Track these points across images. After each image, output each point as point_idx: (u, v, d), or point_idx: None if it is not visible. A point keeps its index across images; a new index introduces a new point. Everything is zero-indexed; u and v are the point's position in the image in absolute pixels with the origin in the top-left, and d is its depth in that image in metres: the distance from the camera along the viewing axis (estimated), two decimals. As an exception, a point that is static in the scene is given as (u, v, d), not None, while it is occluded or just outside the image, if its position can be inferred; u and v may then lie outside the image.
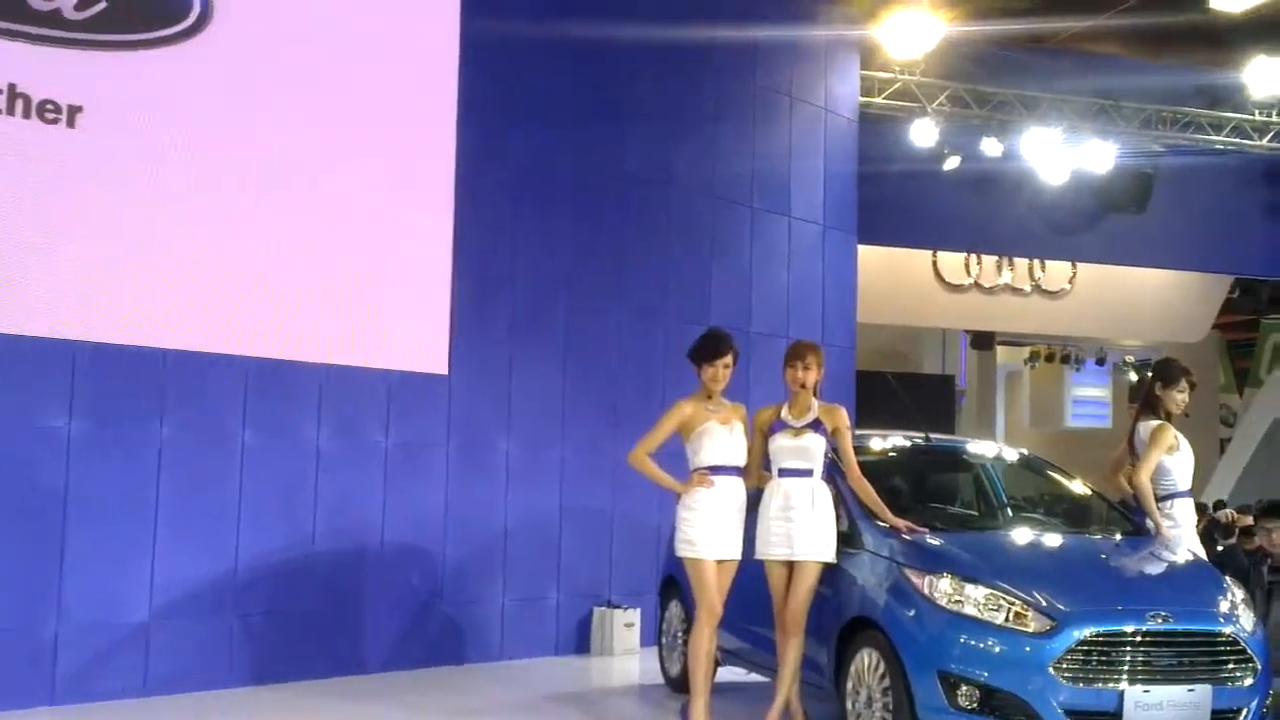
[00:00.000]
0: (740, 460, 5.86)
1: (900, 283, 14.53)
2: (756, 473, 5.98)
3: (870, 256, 12.73)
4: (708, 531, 5.72)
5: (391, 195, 7.95)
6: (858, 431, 6.37)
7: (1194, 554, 5.94)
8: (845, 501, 5.92)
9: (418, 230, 8.09)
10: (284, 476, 7.43)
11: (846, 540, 5.79)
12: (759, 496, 5.92)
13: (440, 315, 8.21)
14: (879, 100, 12.56)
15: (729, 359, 5.85)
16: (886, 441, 6.79)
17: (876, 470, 6.14)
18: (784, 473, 5.82)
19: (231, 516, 7.21)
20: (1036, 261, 15.21)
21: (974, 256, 14.90)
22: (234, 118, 7.22)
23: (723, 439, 5.80)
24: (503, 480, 8.53)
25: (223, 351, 7.18)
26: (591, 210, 9.07)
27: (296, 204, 7.49)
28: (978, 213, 14.02)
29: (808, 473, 5.77)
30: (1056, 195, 13.95)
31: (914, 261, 14.64)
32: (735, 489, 5.82)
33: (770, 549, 5.79)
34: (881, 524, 5.74)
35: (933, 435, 6.98)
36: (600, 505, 8.97)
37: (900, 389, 7.37)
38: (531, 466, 8.68)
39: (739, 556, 5.85)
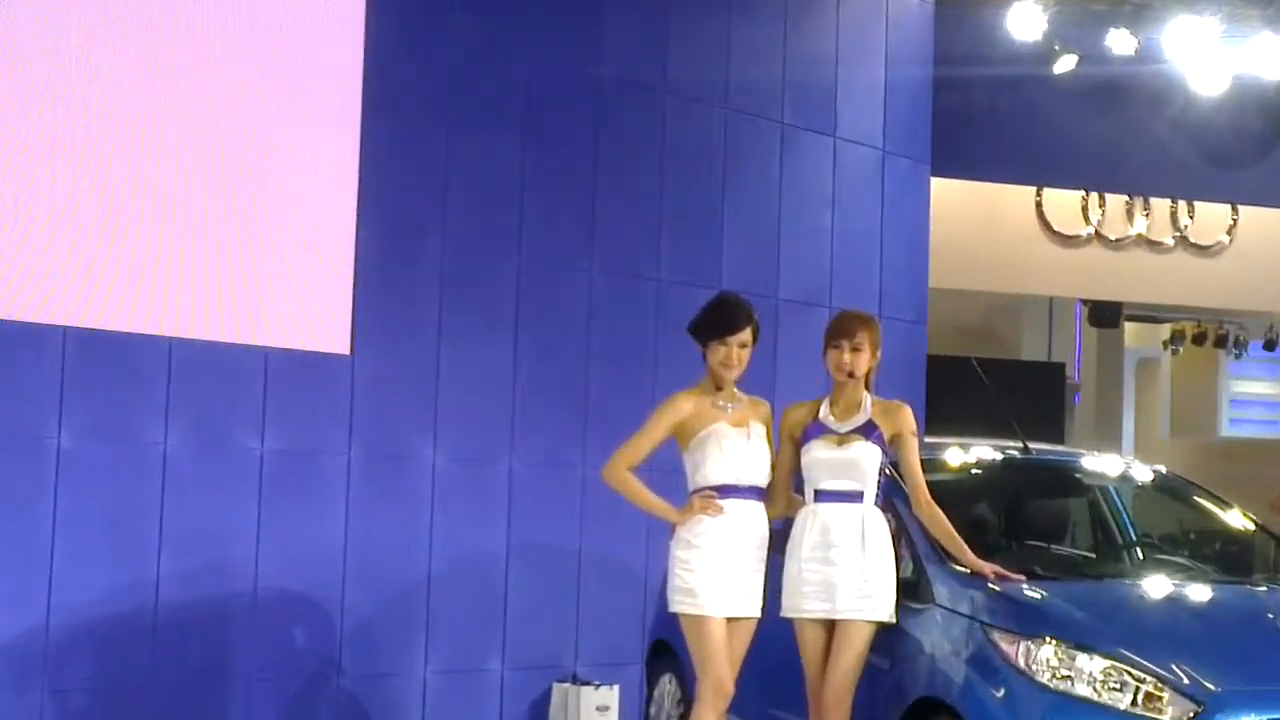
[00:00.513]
0: (761, 478, 5.91)
1: (992, 232, 14.32)
2: (785, 496, 6.04)
3: (949, 195, 12.65)
4: (714, 578, 5.76)
5: (273, 111, 8.01)
6: (928, 439, 6.45)
7: (1398, 613, 6.01)
8: (909, 537, 5.97)
9: (309, 157, 8.18)
10: (116, 495, 7.42)
11: (910, 591, 5.83)
12: (787, 529, 5.96)
13: (340, 272, 8.31)
14: (964, -25, 12.55)
15: (746, 335, 5.91)
16: (968, 454, 6.86)
17: (954, 494, 6.19)
18: (823, 496, 5.86)
19: (41, 551, 7.18)
20: (1182, 204, 15.20)
21: (1095, 196, 14.83)
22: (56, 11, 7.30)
23: (736, 448, 5.86)
24: (426, 505, 8.57)
25: (29, 319, 7.17)
26: (553, 130, 9.13)
27: (138, 122, 7.54)
28: (1100, 135, 13.90)
29: (856, 496, 5.82)
30: (1211, 112, 13.94)
31: (1011, 203, 14.55)
32: (754, 519, 5.86)
33: (803, 603, 5.82)
34: (960, 569, 5.79)
35: (1034, 446, 7.03)
36: (564, 540, 9.01)
37: (989, 381, 7.44)
38: (468, 486, 8.72)
39: (758, 613, 5.89)
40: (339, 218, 8.29)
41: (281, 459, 8.01)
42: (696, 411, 5.88)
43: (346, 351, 8.32)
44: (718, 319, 5.93)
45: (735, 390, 5.96)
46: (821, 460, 5.85)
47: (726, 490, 5.82)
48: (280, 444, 8.02)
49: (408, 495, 8.51)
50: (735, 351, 5.88)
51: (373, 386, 8.40)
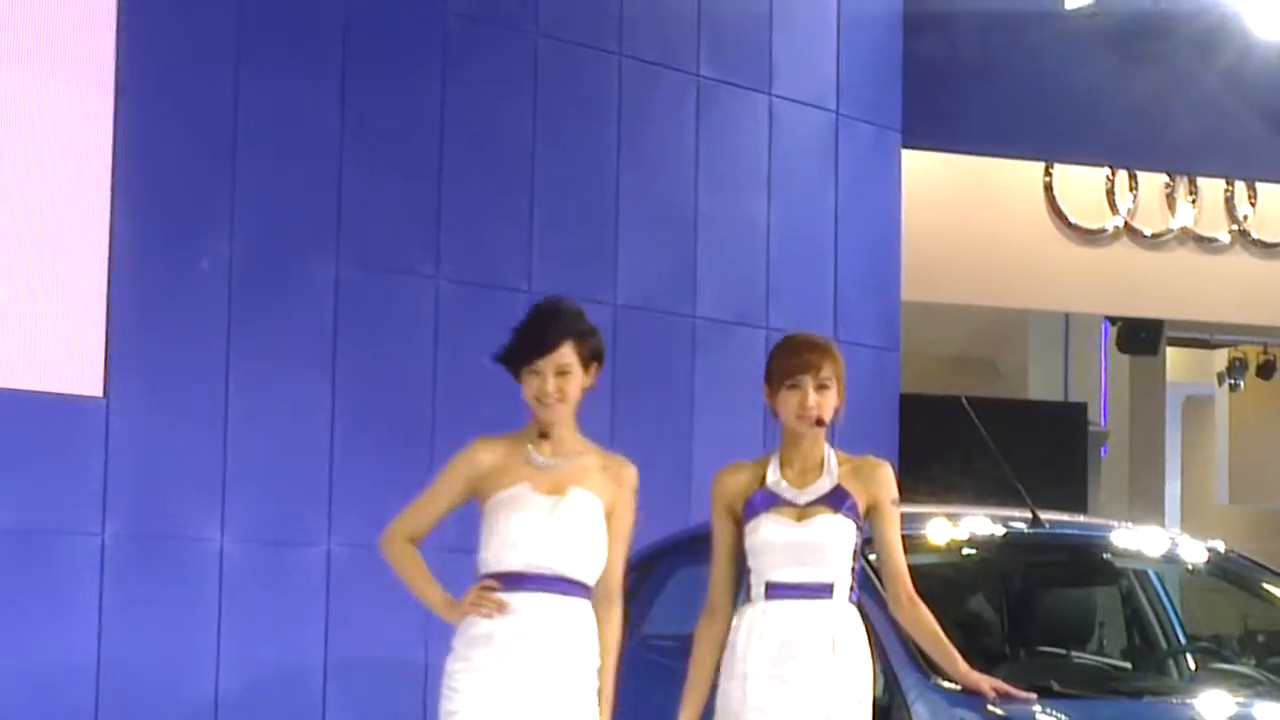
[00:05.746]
0: (578, 566, 5.73)
1: (986, 226, 14.51)
2: (726, 595, 5.96)
3: (928, 175, 12.83)
4: (485, 709, 5.61)
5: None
6: (906, 509, 6.35)
7: None
8: (880, 643, 5.95)
9: (46, 127, 8.19)
10: None
11: (881, 716, 5.82)
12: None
13: (89, 282, 8.27)
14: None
15: (567, 355, 5.75)
16: (958, 528, 6.92)
17: (940, 583, 6.37)
18: (778, 591, 5.79)
19: None
20: (1240, 186, 15.34)
21: (1124, 176, 14.98)
22: None
23: (531, 521, 5.72)
24: (211, 604, 8.48)
25: None
26: (383, 83, 9.12)
27: None
28: (1130, 97, 13.94)
29: (823, 590, 5.77)
30: (1277, 63, 14.00)
31: (1012, 186, 14.74)
32: (559, 623, 5.67)
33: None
34: (948, 684, 5.88)
35: (1046, 516, 7.04)
36: (404, 649, 8.88)
37: (985, 429, 7.41)
38: (268, 576, 8.65)
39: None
40: (86, 206, 8.27)
41: (10, 541, 7.94)
42: (498, 466, 5.81)
43: (98, 393, 8.29)
44: (523, 336, 5.78)
45: (574, 439, 5.84)
46: (775, 543, 5.78)
47: (515, 580, 5.66)
48: (5, 523, 7.95)
49: (184, 591, 8.42)
50: (551, 380, 5.71)
51: (135, 441, 8.34)
